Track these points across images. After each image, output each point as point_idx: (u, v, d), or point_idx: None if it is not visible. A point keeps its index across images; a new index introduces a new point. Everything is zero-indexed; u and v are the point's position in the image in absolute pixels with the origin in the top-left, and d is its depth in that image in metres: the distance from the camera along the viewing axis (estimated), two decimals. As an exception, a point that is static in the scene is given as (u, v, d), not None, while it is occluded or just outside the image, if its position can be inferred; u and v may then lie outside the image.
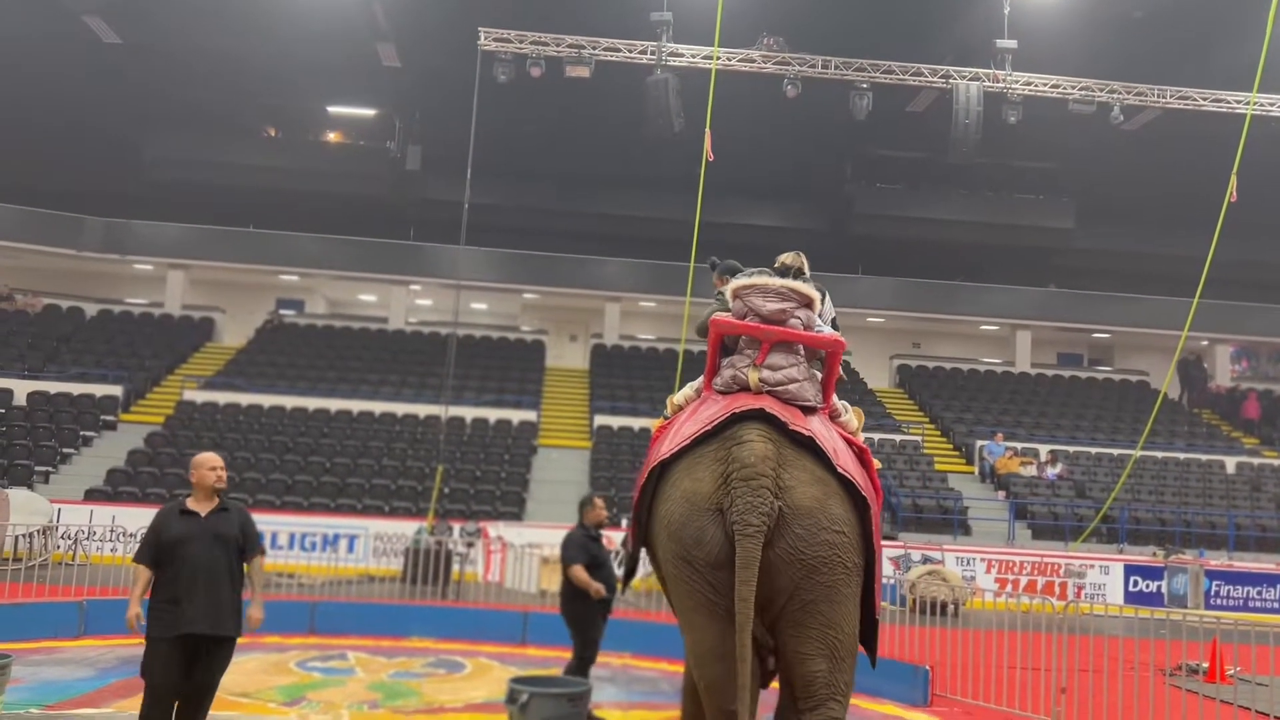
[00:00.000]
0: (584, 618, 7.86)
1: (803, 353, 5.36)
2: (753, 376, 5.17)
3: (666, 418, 6.15)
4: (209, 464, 5.95)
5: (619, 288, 28.14)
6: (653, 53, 21.16)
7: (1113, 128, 22.17)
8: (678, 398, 6.01)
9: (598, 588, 7.82)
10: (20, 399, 22.38)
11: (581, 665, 7.79)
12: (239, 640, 5.85)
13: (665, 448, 5.12)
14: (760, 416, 4.94)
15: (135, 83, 25.62)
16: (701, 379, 5.97)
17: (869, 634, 5.07)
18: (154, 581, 5.68)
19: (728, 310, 5.52)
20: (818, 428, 5.05)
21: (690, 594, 4.78)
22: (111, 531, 13.16)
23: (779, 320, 5.27)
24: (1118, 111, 21.83)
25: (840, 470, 4.87)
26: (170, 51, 24.29)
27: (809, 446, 4.90)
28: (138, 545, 5.86)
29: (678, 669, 7.52)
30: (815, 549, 4.69)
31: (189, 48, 24.03)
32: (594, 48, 21.22)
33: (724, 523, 4.66)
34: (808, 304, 5.32)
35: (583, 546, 7.92)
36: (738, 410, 4.97)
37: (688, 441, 4.98)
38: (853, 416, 5.67)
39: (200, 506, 5.84)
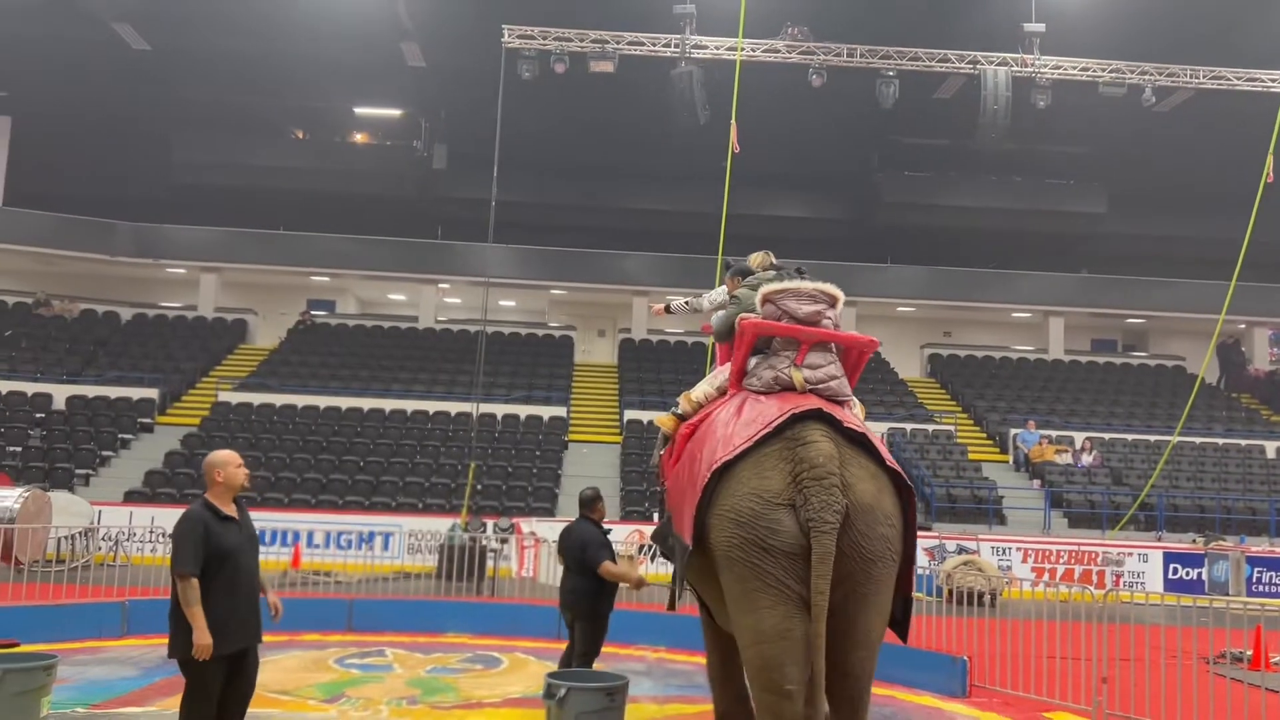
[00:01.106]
0: (605, 615, 7.73)
1: (835, 351, 5.67)
2: (797, 376, 5.47)
3: (681, 415, 6.36)
4: (236, 462, 5.59)
5: (646, 282, 28.12)
6: (676, 46, 21.11)
7: (1145, 110, 21.88)
8: (697, 395, 6.27)
9: (639, 576, 7.76)
10: (60, 403, 22.73)
11: (588, 662, 7.66)
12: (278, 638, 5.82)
13: (721, 450, 5.26)
14: (818, 416, 5.20)
15: (164, 88, 25.91)
16: (718, 378, 6.25)
17: (905, 614, 5.43)
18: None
19: (750, 312, 5.81)
20: (864, 424, 5.36)
21: (759, 577, 4.96)
22: (151, 532, 13.35)
23: (814, 321, 5.57)
24: (1149, 93, 21.53)
25: (889, 464, 5.19)
26: (198, 57, 24.54)
27: (861, 443, 5.19)
28: (177, 554, 5.26)
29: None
30: (874, 543, 4.98)
31: (216, 53, 24.25)
32: (617, 42, 21.21)
33: (797, 517, 4.91)
34: (835, 304, 5.64)
35: (605, 544, 7.85)
36: (798, 411, 5.19)
37: (751, 442, 5.15)
38: (860, 407, 5.92)
39: (229, 509, 5.50)
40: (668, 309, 8.10)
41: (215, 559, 5.27)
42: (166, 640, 5.33)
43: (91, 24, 22.78)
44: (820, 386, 5.50)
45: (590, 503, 8.04)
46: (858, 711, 5.08)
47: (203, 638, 5.12)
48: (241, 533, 5.49)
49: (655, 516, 7.27)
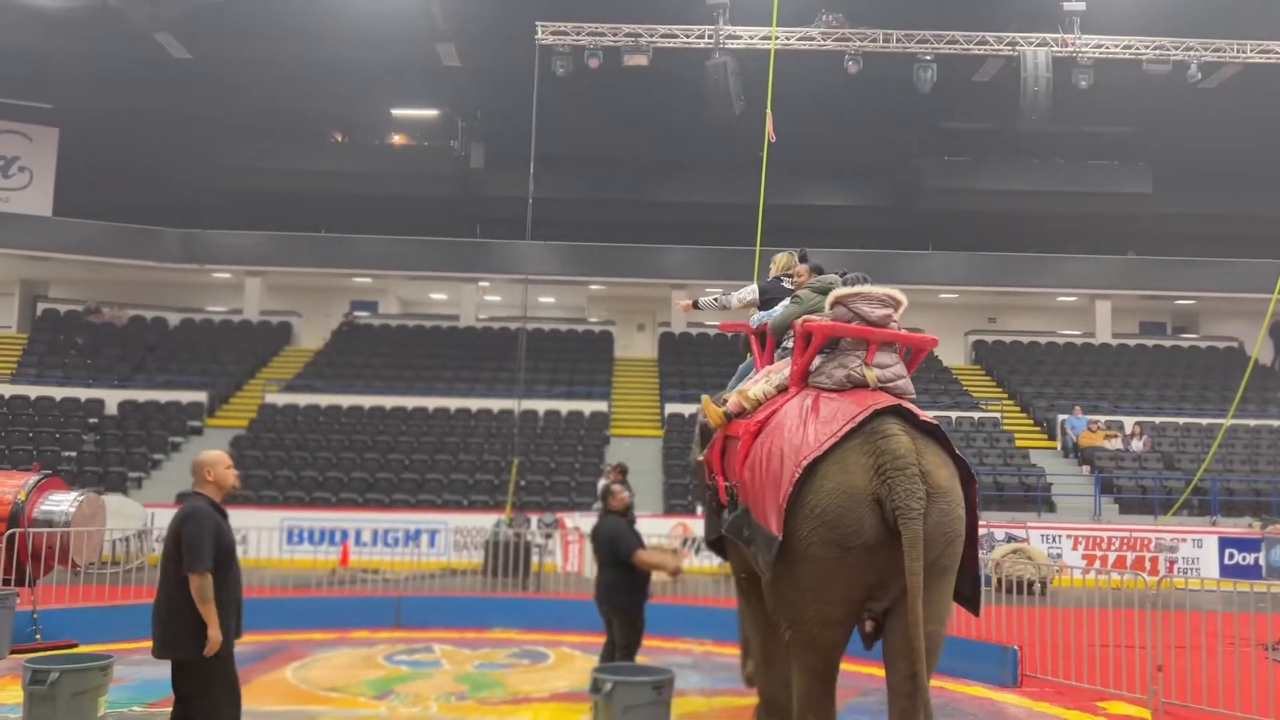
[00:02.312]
0: (641, 606, 7.77)
1: (899, 351, 6.13)
2: (870, 375, 5.89)
3: (730, 415, 6.62)
4: (226, 462, 5.58)
5: (685, 275, 28.04)
6: (710, 37, 21.02)
7: (1190, 86, 21.43)
8: (755, 393, 6.49)
9: (675, 563, 7.79)
10: (112, 408, 23.17)
11: (630, 655, 7.69)
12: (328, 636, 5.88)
13: (806, 446, 5.57)
14: (895, 412, 5.62)
15: (205, 96, 26.28)
16: (776, 376, 6.54)
17: (975, 591, 5.94)
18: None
19: (813, 313, 6.23)
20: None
21: (836, 571, 5.38)
22: (202, 533, 13.52)
23: (884, 324, 6.01)
24: (1195, 69, 21.08)
25: (957, 454, 5.67)
26: (237, 64, 24.85)
27: (933, 434, 5.65)
28: (197, 551, 5.26)
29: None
30: (952, 524, 5.44)
31: (254, 59, 24.55)
32: (651, 35, 21.17)
33: (880, 511, 5.29)
34: (899, 307, 6.11)
35: (633, 533, 7.87)
36: (878, 407, 5.60)
37: (836, 438, 5.51)
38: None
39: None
40: (695, 305, 8.21)
41: (225, 556, 5.35)
42: (215, 624, 5.23)
43: (134, 35, 23.15)
44: (890, 385, 5.92)
45: (606, 496, 8.15)
46: (924, 684, 5.37)
47: (217, 634, 5.21)
48: (234, 534, 5.57)
49: (699, 510, 7.33)
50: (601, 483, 8.43)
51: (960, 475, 5.63)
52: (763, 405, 6.38)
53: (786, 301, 6.95)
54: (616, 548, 7.72)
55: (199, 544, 5.25)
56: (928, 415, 5.72)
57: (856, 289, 6.08)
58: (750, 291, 7.73)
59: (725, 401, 6.82)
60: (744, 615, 7.42)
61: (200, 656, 5.23)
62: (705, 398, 7.00)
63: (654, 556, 7.85)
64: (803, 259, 7.05)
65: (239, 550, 5.64)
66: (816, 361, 6.10)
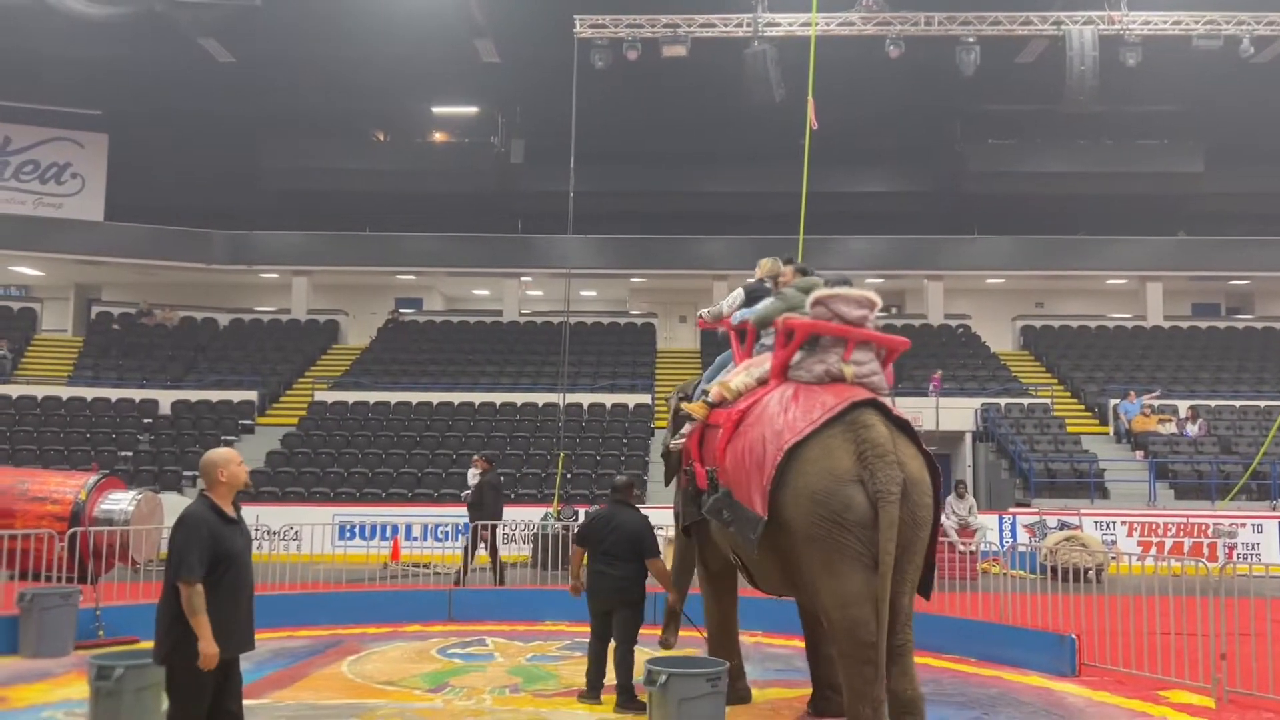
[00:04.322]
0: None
1: (874, 349, 6.58)
2: (848, 370, 6.39)
3: (711, 404, 7.10)
4: (238, 460, 5.29)
5: (726, 265, 27.89)
6: (749, 25, 20.88)
7: (1242, 62, 20.93)
8: (736, 384, 6.98)
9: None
10: (165, 408, 23.60)
11: (630, 649, 7.82)
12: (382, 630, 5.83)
13: (788, 433, 6.07)
14: (872, 405, 6.15)
15: (249, 98, 26.65)
16: (756, 369, 6.99)
17: (929, 577, 6.31)
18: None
19: (794, 311, 6.69)
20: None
21: (839, 548, 5.81)
22: (255, 530, 13.71)
23: (860, 324, 6.50)
24: (1247, 44, 20.58)
25: (925, 448, 6.19)
26: (279, 66, 25.18)
27: (904, 429, 6.17)
28: (182, 561, 4.89)
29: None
30: (923, 511, 5.96)
31: (296, 61, 24.85)
32: (689, 25, 21.08)
33: (865, 491, 5.77)
34: (874, 309, 6.58)
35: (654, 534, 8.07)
36: (856, 400, 6.11)
37: (816, 425, 6.00)
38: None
39: (229, 510, 5.18)
40: (703, 321, 8.60)
41: (221, 563, 4.95)
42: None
43: (180, 41, 23.53)
44: (865, 380, 6.42)
45: (628, 488, 8.32)
46: (909, 645, 5.98)
47: (209, 647, 4.83)
48: (244, 537, 5.22)
49: (675, 498, 7.71)
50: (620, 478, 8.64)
51: (929, 467, 6.13)
52: (743, 395, 6.84)
53: (770, 299, 7.42)
54: (644, 544, 7.80)
55: (186, 552, 4.88)
56: (900, 411, 6.31)
57: (836, 290, 6.55)
58: (737, 297, 8.08)
59: (707, 394, 7.28)
60: (707, 601, 7.91)
61: (187, 664, 4.86)
62: (699, 402, 7.35)
63: (664, 570, 7.99)
64: (788, 262, 7.52)
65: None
66: (797, 357, 6.56)
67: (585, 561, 8.00)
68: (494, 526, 14.14)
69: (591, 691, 7.87)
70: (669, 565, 8.23)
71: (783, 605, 8.30)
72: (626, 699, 7.57)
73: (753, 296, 7.86)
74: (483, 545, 14.16)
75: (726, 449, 6.60)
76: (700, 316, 8.73)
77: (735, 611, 8.00)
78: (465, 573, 13.87)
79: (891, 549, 5.63)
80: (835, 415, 6.02)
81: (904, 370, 21.99)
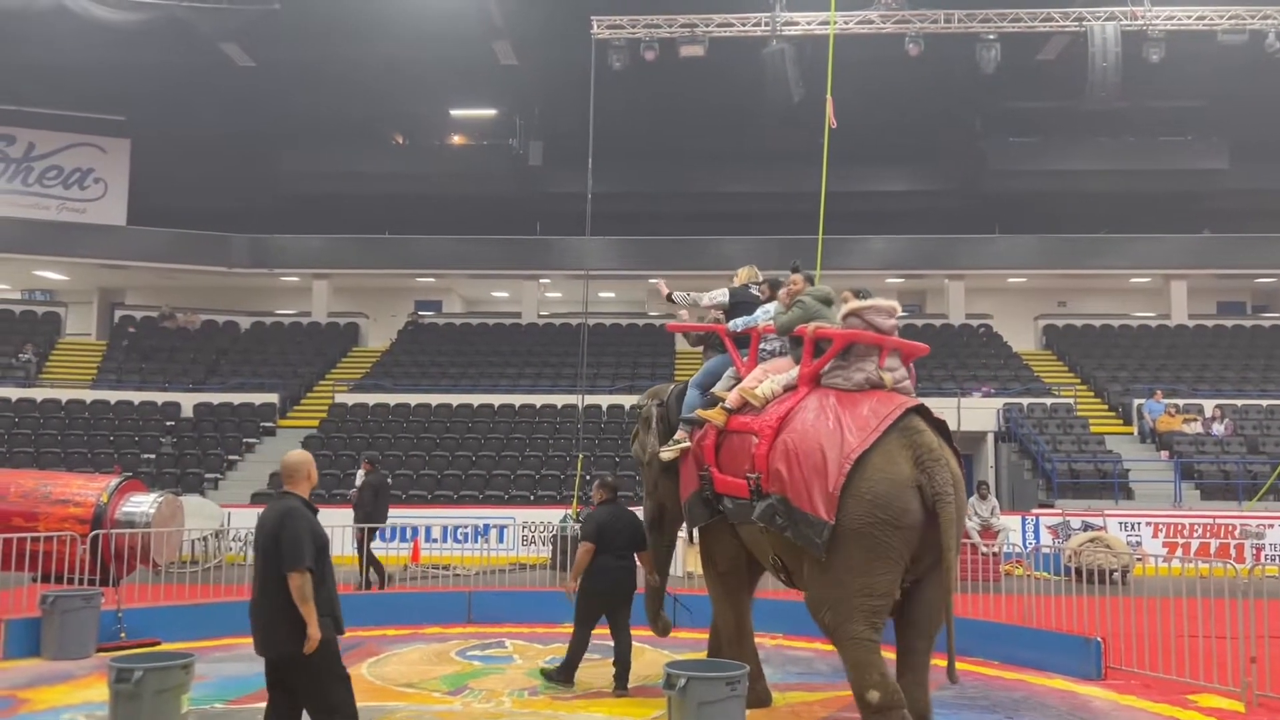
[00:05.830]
0: None
1: (899, 354, 6.90)
2: (887, 378, 6.69)
3: (730, 410, 7.23)
4: (314, 462, 5.81)
5: (745, 266, 27.84)
6: (767, 24, 20.81)
7: (1267, 56, 20.66)
8: (764, 391, 7.06)
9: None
10: (187, 411, 23.75)
11: (629, 646, 8.29)
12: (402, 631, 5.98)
13: (852, 440, 6.28)
14: (918, 410, 6.52)
15: (269, 103, 26.76)
16: (781, 376, 7.10)
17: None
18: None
19: (816, 319, 6.88)
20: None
21: (885, 549, 6.15)
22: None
23: (891, 332, 6.81)
24: (1273, 38, 20.34)
25: (955, 448, 6.56)
26: (299, 70, 25.26)
27: (942, 430, 6.55)
28: (298, 551, 5.31)
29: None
30: (964, 506, 6.40)
31: (315, 64, 24.91)
32: (707, 25, 21.02)
33: (920, 495, 6.17)
34: (894, 317, 6.90)
35: None
36: (909, 406, 6.47)
37: (879, 434, 6.28)
38: None
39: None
40: (670, 297, 8.76)
41: (321, 553, 5.42)
42: (314, 623, 5.25)
43: (200, 46, 23.66)
44: (899, 386, 6.74)
45: (614, 488, 8.72)
46: (934, 638, 6.52)
47: (318, 632, 5.25)
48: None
49: (643, 502, 7.99)
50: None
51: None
52: (770, 403, 6.97)
53: (769, 308, 7.68)
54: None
55: (299, 543, 5.31)
56: (936, 413, 6.66)
57: (870, 302, 6.79)
58: (722, 294, 8.16)
59: (723, 400, 7.43)
60: (719, 604, 7.96)
61: (301, 652, 5.26)
62: (718, 409, 7.41)
63: (649, 558, 8.44)
64: (795, 270, 7.57)
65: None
66: (829, 365, 6.77)
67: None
68: (372, 529, 13.97)
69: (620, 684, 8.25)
70: (671, 566, 8.79)
71: (801, 607, 8.22)
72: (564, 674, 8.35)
73: (740, 304, 8.01)
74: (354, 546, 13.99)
75: (771, 456, 6.63)
76: (670, 300, 8.80)
77: (749, 610, 7.97)
78: (365, 576, 13.73)
79: (953, 544, 6.07)
80: (893, 423, 6.34)
81: (924, 370, 21.86)
